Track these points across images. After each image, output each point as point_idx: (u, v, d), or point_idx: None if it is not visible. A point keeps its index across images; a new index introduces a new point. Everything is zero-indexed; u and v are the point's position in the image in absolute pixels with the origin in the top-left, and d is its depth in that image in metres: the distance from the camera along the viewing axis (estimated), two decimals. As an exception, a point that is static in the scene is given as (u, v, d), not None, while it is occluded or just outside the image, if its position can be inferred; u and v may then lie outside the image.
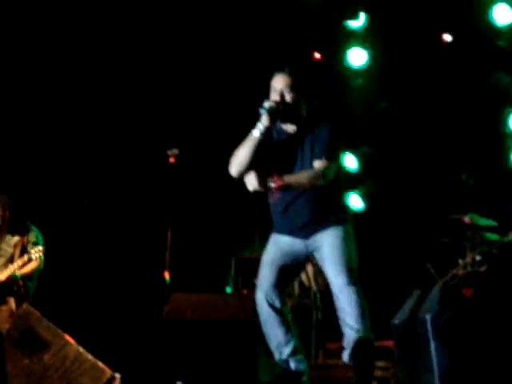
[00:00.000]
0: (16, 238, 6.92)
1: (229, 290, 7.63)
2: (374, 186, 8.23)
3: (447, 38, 8.09)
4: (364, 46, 8.31)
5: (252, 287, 5.97)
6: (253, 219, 7.91)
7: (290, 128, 5.07)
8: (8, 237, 6.93)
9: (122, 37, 8.15)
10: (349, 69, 8.40)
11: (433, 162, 7.93)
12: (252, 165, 4.95)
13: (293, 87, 4.96)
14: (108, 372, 6.03)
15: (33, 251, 6.71)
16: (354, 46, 8.32)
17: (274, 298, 4.99)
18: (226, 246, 8.09)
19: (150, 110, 8.23)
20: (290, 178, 4.86)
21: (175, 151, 6.62)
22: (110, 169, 8.25)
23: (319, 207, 5.01)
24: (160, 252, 6.69)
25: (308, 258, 5.17)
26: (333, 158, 4.94)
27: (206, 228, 8.27)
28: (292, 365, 5.01)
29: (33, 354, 5.95)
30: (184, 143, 6.79)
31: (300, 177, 4.90)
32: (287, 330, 5.00)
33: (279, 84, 4.98)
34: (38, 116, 8.13)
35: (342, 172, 5.15)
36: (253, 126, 4.93)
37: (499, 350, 4.52)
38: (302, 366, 5.03)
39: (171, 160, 6.61)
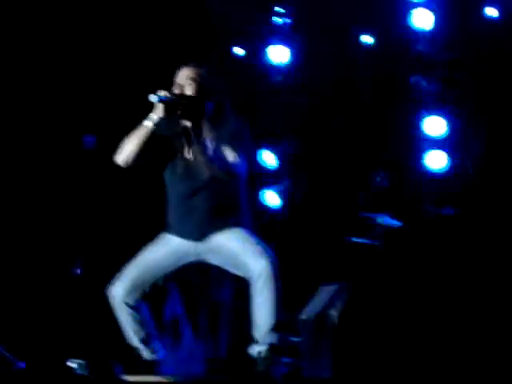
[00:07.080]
0: None
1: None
2: (292, 183, 8.27)
3: (368, 39, 8.20)
4: (286, 43, 8.32)
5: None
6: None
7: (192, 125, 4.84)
8: None
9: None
10: (270, 65, 8.39)
11: (348, 161, 8.01)
12: (142, 157, 4.73)
13: (196, 80, 4.80)
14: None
15: None
16: (276, 42, 8.33)
17: (132, 298, 4.80)
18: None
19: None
20: None
21: None
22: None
23: (219, 207, 4.76)
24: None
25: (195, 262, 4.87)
26: (240, 154, 4.71)
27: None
28: (144, 353, 4.90)
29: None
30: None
31: None
32: (139, 322, 4.81)
33: (180, 77, 4.83)
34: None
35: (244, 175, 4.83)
36: None
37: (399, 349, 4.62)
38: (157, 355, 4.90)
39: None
